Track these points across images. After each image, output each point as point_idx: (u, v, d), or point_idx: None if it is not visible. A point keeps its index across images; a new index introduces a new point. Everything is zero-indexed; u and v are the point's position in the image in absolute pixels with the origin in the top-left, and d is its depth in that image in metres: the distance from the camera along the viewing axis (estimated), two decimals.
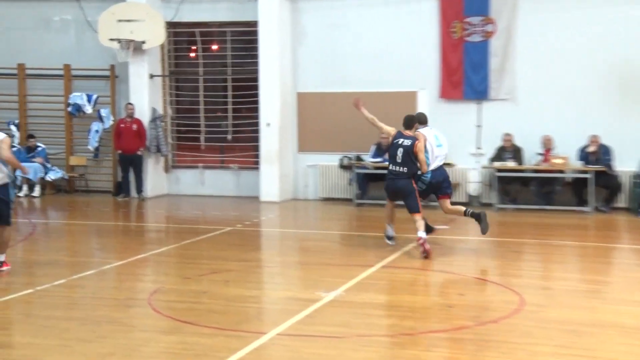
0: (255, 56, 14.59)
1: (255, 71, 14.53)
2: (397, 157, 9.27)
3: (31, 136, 15.38)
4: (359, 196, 13.70)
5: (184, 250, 9.61)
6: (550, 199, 13.20)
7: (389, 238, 9.68)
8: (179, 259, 9.22)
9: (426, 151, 9.45)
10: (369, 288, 7.52)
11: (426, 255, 8.87)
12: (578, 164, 12.86)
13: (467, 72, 13.88)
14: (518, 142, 13.44)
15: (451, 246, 10.08)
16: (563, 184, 13.27)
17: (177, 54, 15.89)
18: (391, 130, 9.58)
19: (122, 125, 14.74)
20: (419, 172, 9.39)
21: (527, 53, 13.62)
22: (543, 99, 13.57)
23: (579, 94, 13.39)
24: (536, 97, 13.62)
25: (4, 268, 8.10)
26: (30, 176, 14.64)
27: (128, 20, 14.45)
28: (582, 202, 12.90)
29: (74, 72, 15.60)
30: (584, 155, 12.86)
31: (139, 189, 14.81)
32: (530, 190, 13.36)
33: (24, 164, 9.50)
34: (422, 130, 9.66)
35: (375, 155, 13.81)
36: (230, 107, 15.33)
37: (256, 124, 14.65)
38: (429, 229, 9.53)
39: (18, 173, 8.23)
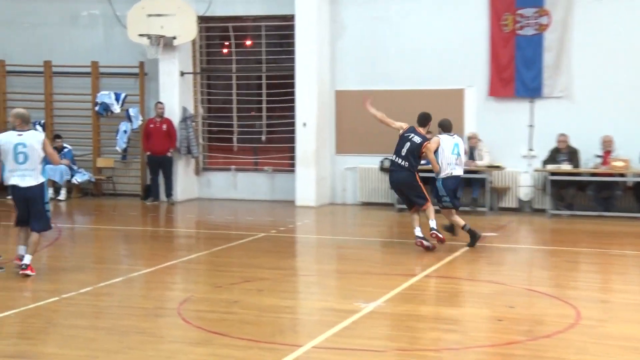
0: (292, 52, 14.64)
1: (291, 68, 14.59)
2: (402, 151, 9.71)
3: (57, 136, 15.65)
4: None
5: (215, 258, 9.68)
6: (610, 205, 12.99)
7: (422, 239, 9.83)
8: (210, 267, 9.30)
9: (436, 154, 9.91)
10: (411, 299, 7.48)
11: (430, 248, 9.64)
12: None
13: (518, 68, 13.74)
14: (574, 143, 13.25)
15: (500, 255, 9.98)
16: (624, 188, 13.05)
17: (209, 50, 16.04)
18: (403, 124, 9.94)
19: (151, 126, 14.93)
20: (435, 176, 9.98)
21: (584, 47, 13.43)
22: (602, 97, 13.36)
23: None
24: (594, 95, 13.42)
25: (29, 272, 8.26)
26: (57, 179, 14.93)
27: (158, 15, 14.64)
28: None
29: (101, 70, 15.86)
30: None
31: (169, 192, 14.98)
32: (587, 196, 13.16)
33: (48, 166, 9.66)
34: (441, 137, 10.14)
35: None
36: (264, 106, 15.42)
37: (292, 124, 14.70)
38: (450, 229, 10.22)
39: (44, 175, 8.48)
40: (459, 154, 10.15)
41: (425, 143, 9.69)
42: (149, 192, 15.26)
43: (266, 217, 13.40)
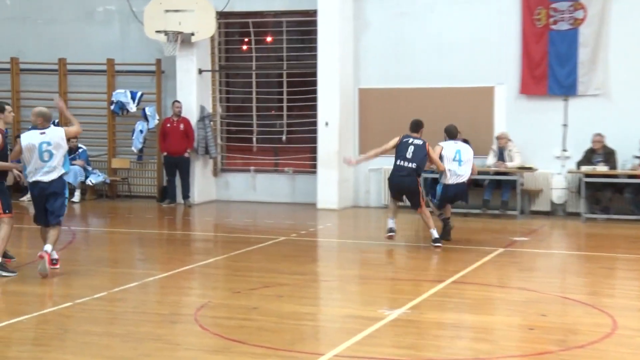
0: (314, 49, 14.66)
1: (314, 65, 14.61)
2: (408, 153, 10.17)
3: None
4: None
5: (234, 262, 9.71)
6: None
7: (389, 231, 10.46)
8: (228, 271, 9.33)
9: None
10: (437, 306, 7.45)
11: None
12: None
13: (552, 65, 13.65)
14: (610, 143, 13.13)
15: (532, 260, 9.91)
16: None
17: (228, 47, 16.11)
18: (395, 138, 10.49)
19: (168, 125, 15.02)
20: (439, 178, 10.54)
21: (622, 42, 13.32)
22: None
23: None
24: (632, 92, 13.31)
25: (57, 267, 8.68)
26: (70, 180, 15.04)
27: (176, 11, 14.73)
28: None
29: (117, 68, 15.98)
30: None
31: (186, 194, 15.05)
32: (625, 198, 13.03)
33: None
34: (444, 144, 10.63)
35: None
36: (285, 104, 15.45)
37: (313, 124, 14.71)
38: (449, 231, 10.71)
39: (66, 167, 8.80)
40: (460, 161, 10.48)
41: (427, 143, 10.26)
42: (166, 194, 15.35)
43: (286, 220, 13.42)
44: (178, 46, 14.71)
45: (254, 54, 15.67)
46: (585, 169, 12.99)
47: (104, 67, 15.92)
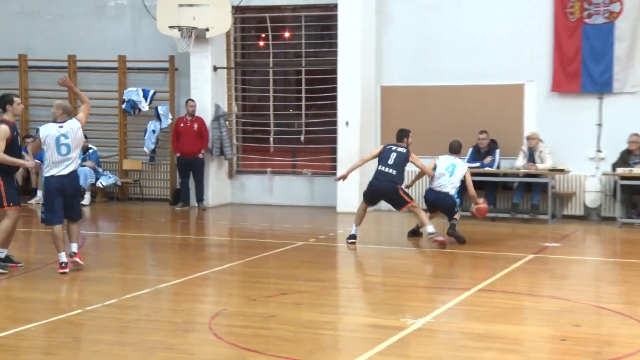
0: (334, 44, 14.68)
1: (333, 62, 14.62)
2: (390, 159, 10.84)
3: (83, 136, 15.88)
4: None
5: (250, 268, 9.74)
6: None
7: (351, 237, 11.00)
8: (244, 278, 9.35)
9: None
10: (463, 315, 7.43)
11: (443, 245, 10.48)
12: None
13: (585, 61, 13.57)
14: None
15: (564, 267, 9.86)
16: None
17: (244, 43, 16.17)
18: (379, 146, 11.47)
19: (181, 125, 15.09)
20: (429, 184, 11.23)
21: None
22: None
23: None
24: None
25: (77, 259, 9.06)
26: (80, 182, 15.13)
27: (190, 5, 14.80)
28: None
29: (129, 65, 16.09)
30: None
31: (200, 197, 15.12)
32: None
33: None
34: (441, 157, 11.39)
35: (471, 160, 13.65)
36: (303, 103, 15.47)
37: (333, 123, 14.72)
38: (415, 232, 11.40)
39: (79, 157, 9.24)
40: (452, 173, 11.10)
41: (411, 153, 10.94)
42: (179, 196, 15.43)
43: (305, 224, 13.43)
44: (192, 42, 14.78)
45: (271, 50, 15.71)
46: (621, 171, 12.91)
47: (115, 64, 16.03)
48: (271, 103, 15.72)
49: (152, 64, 15.94)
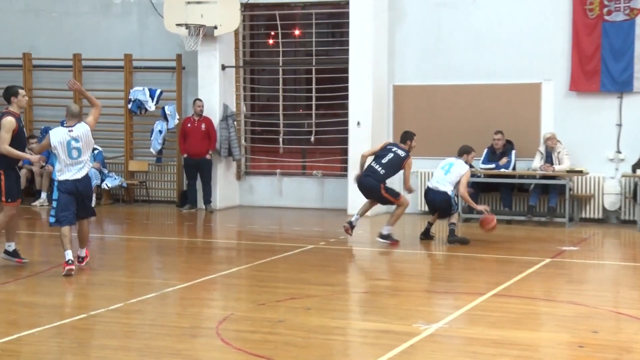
0: (345, 43, 14.68)
1: (345, 61, 14.63)
2: (384, 158, 11.07)
3: None
4: (466, 209, 13.54)
5: (258, 272, 9.75)
6: None
7: (348, 223, 11.36)
8: (252, 282, 9.37)
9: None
10: (478, 320, 7.42)
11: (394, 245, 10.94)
12: None
13: (605, 59, 13.53)
14: None
15: (582, 272, 9.83)
16: None
17: (253, 41, 16.20)
18: (383, 143, 11.70)
19: (189, 125, 15.13)
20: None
21: None
22: None
23: None
24: None
25: (85, 263, 9.34)
26: None
27: (198, 2, 14.84)
28: None
29: (135, 63, 16.14)
30: None
31: (207, 199, 15.15)
32: None
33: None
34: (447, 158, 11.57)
35: (486, 161, 13.64)
36: (314, 103, 15.48)
37: (344, 123, 14.74)
38: (427, 234, 11.55)
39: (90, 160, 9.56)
40: (447, 172, 11.28)
41: (407, 159, 11.09)
42: (186, 198, 15.46)
43: (315, 227, 13.44)
44: (200, 40, 14.81)
45: (280, 49, 15.73)
46: None
47: (121, 63, 16.08)
48: (280, 103, 15.73)
49: (159, 62, 15.99)
